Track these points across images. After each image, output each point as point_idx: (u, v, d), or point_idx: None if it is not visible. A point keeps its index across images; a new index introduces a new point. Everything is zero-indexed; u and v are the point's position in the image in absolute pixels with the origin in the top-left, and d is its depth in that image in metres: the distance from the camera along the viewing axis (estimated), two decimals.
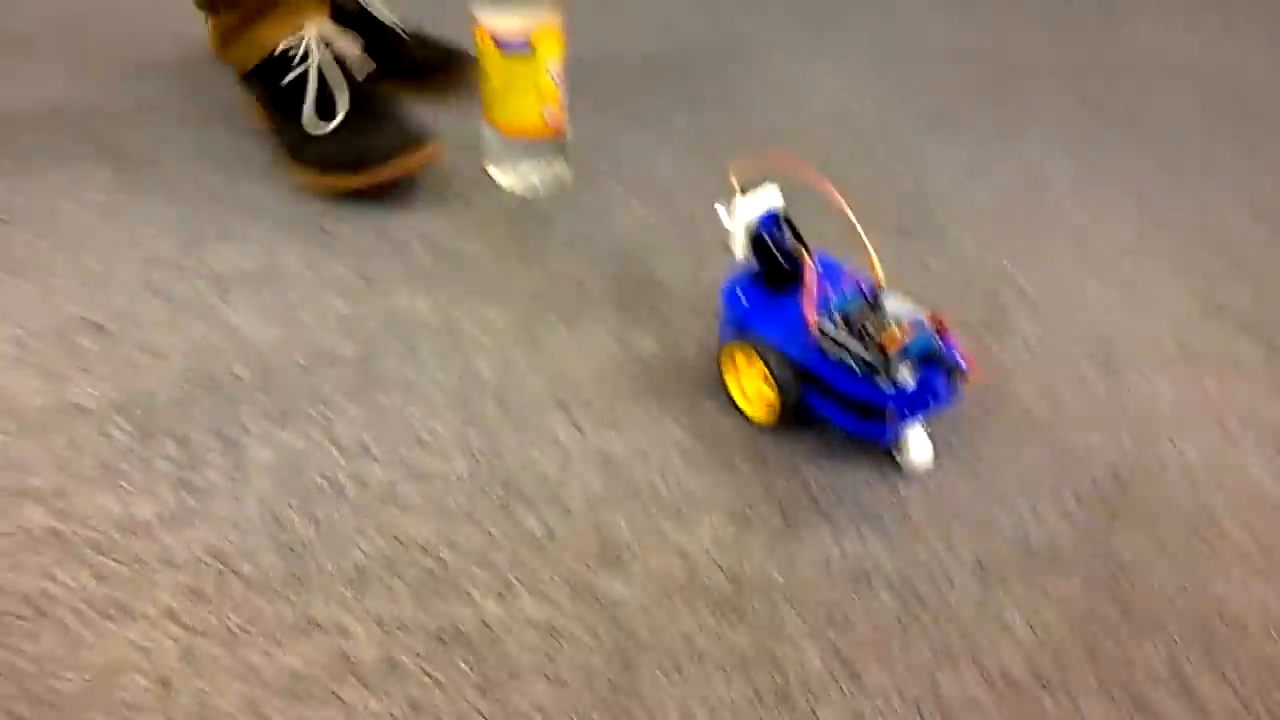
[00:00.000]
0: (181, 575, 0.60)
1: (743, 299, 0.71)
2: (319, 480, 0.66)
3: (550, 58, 0.87)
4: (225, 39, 0.95)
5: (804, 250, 0.70)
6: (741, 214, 0.69)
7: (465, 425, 0.71)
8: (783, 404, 0.68)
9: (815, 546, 0.63)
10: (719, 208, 0.71)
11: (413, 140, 0.90)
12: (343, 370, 0.74)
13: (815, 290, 0.66)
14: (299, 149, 0.91)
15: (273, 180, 0.93)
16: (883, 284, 0.68)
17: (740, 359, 0.71)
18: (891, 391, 0.64)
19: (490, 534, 0.63)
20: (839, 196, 0.68)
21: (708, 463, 0.69)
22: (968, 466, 0.69)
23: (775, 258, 0.69)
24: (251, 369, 0.74)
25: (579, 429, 0.71)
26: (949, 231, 0.92)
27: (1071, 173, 1.01)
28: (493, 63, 0.87)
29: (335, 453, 0.68)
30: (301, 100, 0.90)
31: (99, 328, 0.77)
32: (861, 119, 1.08)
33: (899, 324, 0.64)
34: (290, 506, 0.64)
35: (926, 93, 1.14)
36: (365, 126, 0.90)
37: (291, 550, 0.62)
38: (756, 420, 0.71)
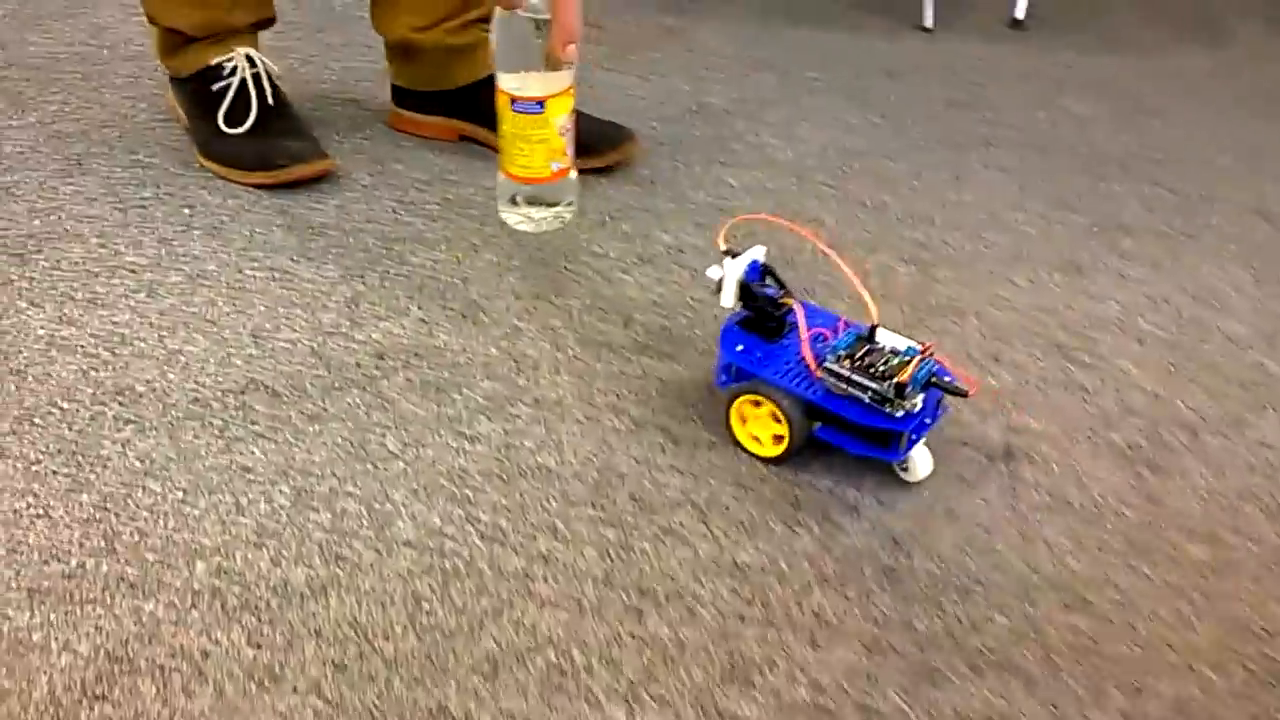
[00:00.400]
0: (326, 646, 0.63)
1: (740, 345, 0.77)
2: (457, 562, 0.68)
3: (560, 115, 0.93)
4: (167, 49, 1.10)
5: (789, 297, 0.76)
6: (730, 269, 0.76)
7: (600, 519, 0.71)
8: (792, 439, 0.74)
9: (955, 687, 0.61)
10: (710, 270, 0.77)
11: (308, 153, 1.06)
12: (486, 450, 0.77)
13: (808, 333, 0.73)
14: (209, 144, 1.08)
15: (435, 253, 0.98)
16: (876, 320, 0.73)
17: (747, 408, 0.76)
18: (901, 417, 0.70)
19: (619, 636, 0.64)
20: (828, 248, 0.76)
21: (843, 583, 0.67)
22: (1124, 622, 0.65)
23: (763, 306, 0.76)
24: (402, 443, 0.77)
25: (712, 533, 0.71)
26: (1109, 352, 0.88)
27: (1245, 292, 0.96)
28: (506, 118, 0.93)
29: (474, 535, 0.70)
30: (219, 105, 1.07)
31: (268, 390, 0.82)
32: (1022, 226, 1.06)
33: (900, 356, 0.71)
34: (429, 586, 0.66)
35: (1091, 199, 1.10)
36: (270, 136, 1.07)
37: (428, 632, 0.64)
38: (767, 457, 0.76)
